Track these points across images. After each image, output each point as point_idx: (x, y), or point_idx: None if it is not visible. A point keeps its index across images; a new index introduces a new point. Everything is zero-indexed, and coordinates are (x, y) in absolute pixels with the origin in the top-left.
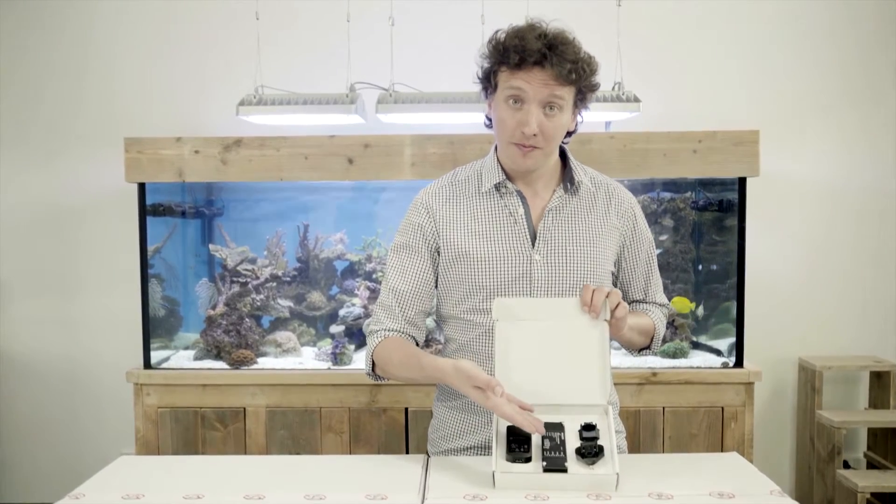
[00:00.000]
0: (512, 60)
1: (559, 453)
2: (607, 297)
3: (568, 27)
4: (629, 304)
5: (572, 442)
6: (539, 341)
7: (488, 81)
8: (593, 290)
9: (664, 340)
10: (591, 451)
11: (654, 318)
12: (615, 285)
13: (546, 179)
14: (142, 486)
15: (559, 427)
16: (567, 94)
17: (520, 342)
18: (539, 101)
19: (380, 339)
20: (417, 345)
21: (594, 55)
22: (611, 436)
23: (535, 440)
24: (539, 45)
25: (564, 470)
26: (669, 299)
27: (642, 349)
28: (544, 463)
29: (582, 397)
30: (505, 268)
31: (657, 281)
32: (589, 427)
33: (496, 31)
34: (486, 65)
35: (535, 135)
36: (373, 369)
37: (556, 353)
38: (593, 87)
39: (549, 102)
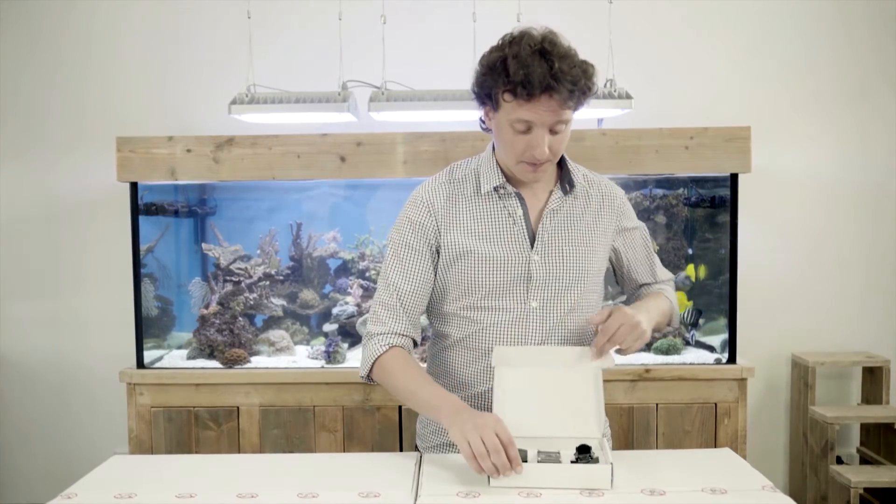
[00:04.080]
0: (520, 95)
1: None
2: (615, 333)
3: (558, 28)
4: (639, 287)
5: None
6: (536, 386)
7: (488, 98)
8: (608, 337)
9: (655, 337)
10: (586, 463)
11: (670, 296)
12: (622, 280)
13: (544, 181)
14: (134, 485)
15: (555, 455)
16: (571, 111)
17: (518, 387)
18: (547, 126)
19: (386, 348)
20: (416, 345)
21: (588, 57)
22: (606, 456)
23: (532, 453)
24: (543, 73)
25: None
26: None
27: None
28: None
29: (577, 432)
30: (505, 268)
31: (657, 260)
32: (584, 448)
33: (493, 51)
34: (485, 83)
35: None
36: (369, 372)
37: (553, 397)
38: (592, 95)
39: (555, 125)
